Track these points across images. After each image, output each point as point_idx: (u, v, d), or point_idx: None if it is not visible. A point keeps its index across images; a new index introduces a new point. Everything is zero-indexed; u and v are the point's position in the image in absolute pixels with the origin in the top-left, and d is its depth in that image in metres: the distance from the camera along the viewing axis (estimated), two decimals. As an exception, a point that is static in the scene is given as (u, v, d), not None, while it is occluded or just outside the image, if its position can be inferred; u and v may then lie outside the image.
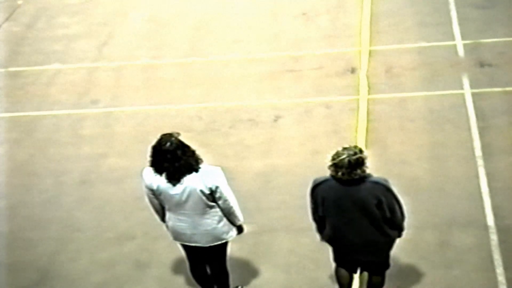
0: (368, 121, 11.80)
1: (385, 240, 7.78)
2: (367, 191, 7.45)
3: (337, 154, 7.40)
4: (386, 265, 8.09)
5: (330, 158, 7.43)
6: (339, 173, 7.39)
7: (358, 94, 12.46)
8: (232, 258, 8.71)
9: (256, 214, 9.76)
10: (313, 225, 8.02)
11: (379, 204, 7.46)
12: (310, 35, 14.67)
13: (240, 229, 8.20)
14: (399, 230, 7.79)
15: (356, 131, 11.57)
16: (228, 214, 7.96)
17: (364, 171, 7.44)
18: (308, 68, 13.52)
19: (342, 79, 12.95)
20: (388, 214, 7.54)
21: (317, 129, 11.45)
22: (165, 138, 7.62)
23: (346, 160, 7.33)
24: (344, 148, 7.44)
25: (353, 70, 13.19)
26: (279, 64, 13.75)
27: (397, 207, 7.59)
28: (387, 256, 7.99)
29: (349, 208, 7.53)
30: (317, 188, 7.65)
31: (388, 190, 7.51)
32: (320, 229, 7.93)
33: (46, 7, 16.94)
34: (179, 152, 7.61)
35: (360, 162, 7.38)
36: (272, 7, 15.95)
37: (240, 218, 8.08)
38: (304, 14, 15.46)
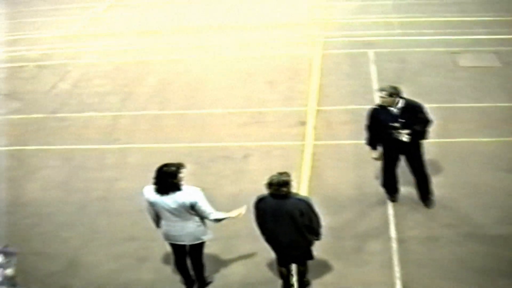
0: (311, 160, 11.78)
1: (303, 240, 7.89)
2: (293, 205, 7.65)
3: (271, 177, 7.66)
4: (307, 257, 8.16)
5: (267, 179, 7.63)
6: (271, 189, 7.57)
7: (305, 141, 12.44)
8: (207, 254, 8.67)
9: (227, 224, 9.52)
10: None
11: (301, 214, 7.63)
12: (273, 97, 14.68)
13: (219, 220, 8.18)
14: (315, 234, 7.92)
15: (302, 167, 11.54)
16: (205, 219, 8.09)
17: (289, 189, 7.62)
18: (270, 121, 13.49)
19: (295, 130, 12.94)
20: (307, 222, 7.71)
21: (275, 165, 11.38)
22: (169, 164, 7.95)
23: (275, 180, 7.57)
24: (277, 173, 7.70)
25: (302, 123, 13.16)
26: (249, 117, 13.73)
27: (314, 217, 7.76)
28: (306, 251, 8.06)
29: (281, 216, 7.67)
30: (259, 203, 7.81)
31: (308, 205, 7.71)
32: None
33: (87, 72, 16.93)
34: (174, 175, 7.83)
35: (284, 182, 7.58)
36: (247, 76, 15.96)
37: (219, 216, 8.10)
38: (269, 82, 15.51)
